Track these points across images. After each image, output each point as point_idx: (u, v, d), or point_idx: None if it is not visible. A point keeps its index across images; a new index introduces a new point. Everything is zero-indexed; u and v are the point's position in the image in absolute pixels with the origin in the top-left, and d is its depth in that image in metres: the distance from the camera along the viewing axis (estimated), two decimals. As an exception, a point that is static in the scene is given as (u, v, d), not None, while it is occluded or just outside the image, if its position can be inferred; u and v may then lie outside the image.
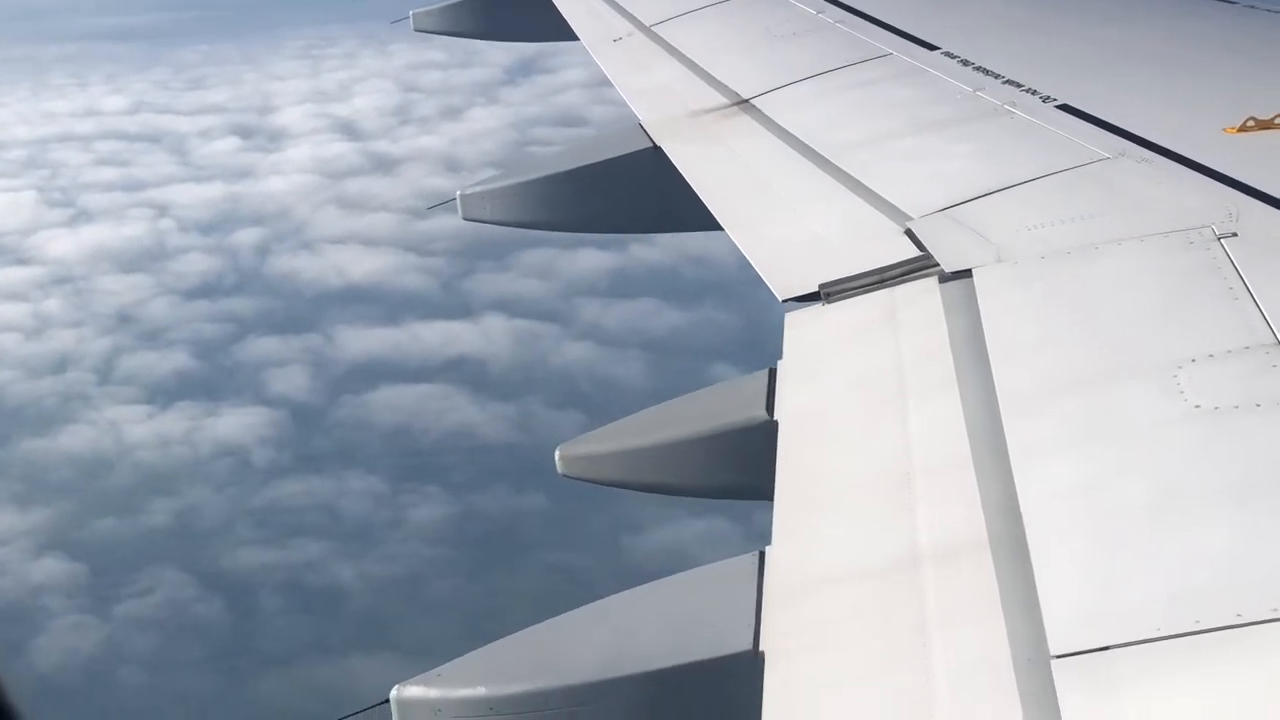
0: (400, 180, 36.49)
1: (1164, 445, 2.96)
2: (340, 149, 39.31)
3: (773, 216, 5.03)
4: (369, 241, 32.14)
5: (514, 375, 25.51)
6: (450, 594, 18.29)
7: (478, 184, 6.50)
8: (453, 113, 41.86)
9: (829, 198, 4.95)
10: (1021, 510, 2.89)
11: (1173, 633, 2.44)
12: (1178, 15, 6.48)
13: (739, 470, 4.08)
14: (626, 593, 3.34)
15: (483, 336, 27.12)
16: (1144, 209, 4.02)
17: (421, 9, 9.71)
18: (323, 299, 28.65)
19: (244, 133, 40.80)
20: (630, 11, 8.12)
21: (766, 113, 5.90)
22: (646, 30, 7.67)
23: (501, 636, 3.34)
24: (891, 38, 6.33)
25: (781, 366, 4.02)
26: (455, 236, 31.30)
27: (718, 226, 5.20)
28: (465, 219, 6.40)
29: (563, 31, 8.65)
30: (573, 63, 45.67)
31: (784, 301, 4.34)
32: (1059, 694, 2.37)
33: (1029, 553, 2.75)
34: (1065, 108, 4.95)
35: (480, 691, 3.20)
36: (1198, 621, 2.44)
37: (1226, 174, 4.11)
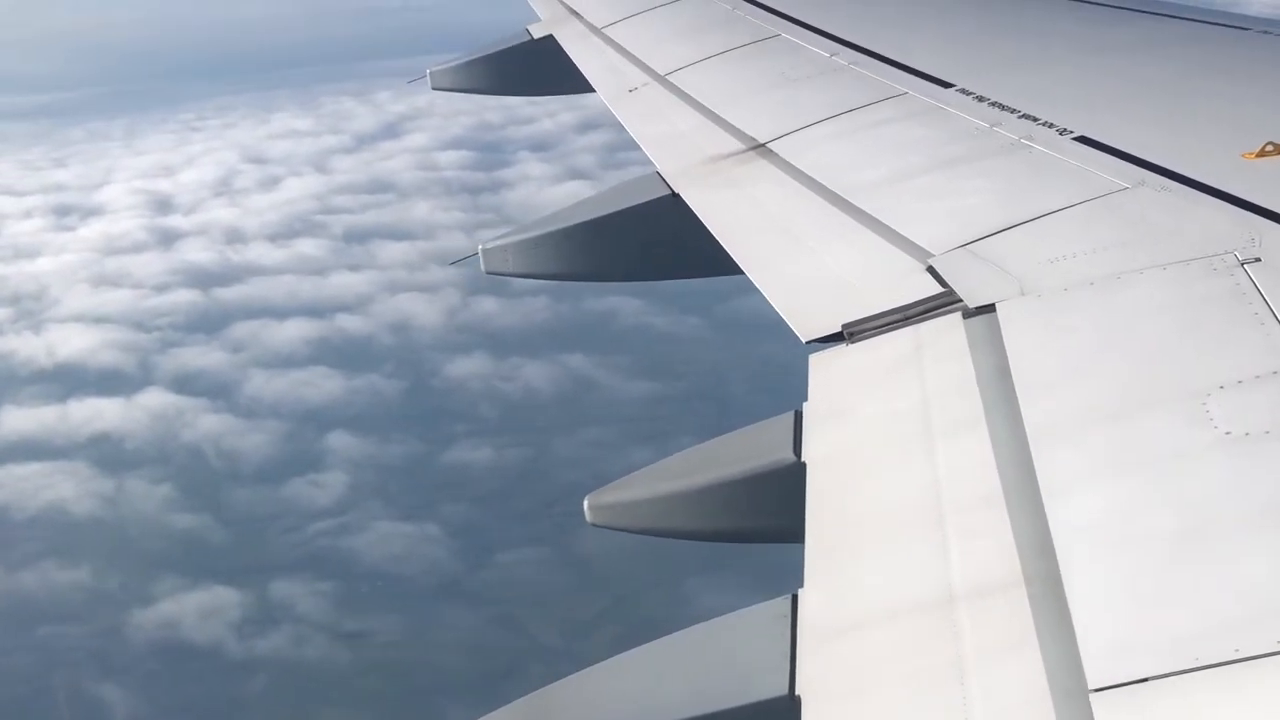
0: (167, 255, 38.96)
1: (1195, 474, 2.94)
2: (129, 225, 41.57)
3: (793, 258, 5.04)
4: (100, 319, 34.16)
5: (145, 452, 27.23)
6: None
7: (499, 237, 6.54)
8: (269, 184, 44.65)
9: (849, 238, 4.95)
10: (1054, 544, 2.86)
11: (1212, 662, 2.41)
12: (1191, 43, 6.48)
13: (768, 514, 4.07)
14: (659, 641, 3.32)
15: (129, 413, 28.87)
16: (1165, 237, 4.01)
17: (438, 67, 9.81)
18: (17, 379, 30.73)
19: (61, 211, 43.02)
20: (645, 62, 8.18)
21: (783, 156, 5.93)
22: (661, 79, 7.73)
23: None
24: (906, 77, 6.35)
25: (807, 408, 4.01)
26: (184, 312, 33.60)
27: (739, 270, 5.21)
28: (488, 272, 6.43)
29: (579, 84, 8.73)
30: (428, 126, 48.85)
31: (807, 343, 4.33)
32: None
33: (1063, 586, 2.73)
34: (1083, 139, 4.95)
35: None
36: (1237, 650, 2.41)
37: (1247, 199, 4.09)
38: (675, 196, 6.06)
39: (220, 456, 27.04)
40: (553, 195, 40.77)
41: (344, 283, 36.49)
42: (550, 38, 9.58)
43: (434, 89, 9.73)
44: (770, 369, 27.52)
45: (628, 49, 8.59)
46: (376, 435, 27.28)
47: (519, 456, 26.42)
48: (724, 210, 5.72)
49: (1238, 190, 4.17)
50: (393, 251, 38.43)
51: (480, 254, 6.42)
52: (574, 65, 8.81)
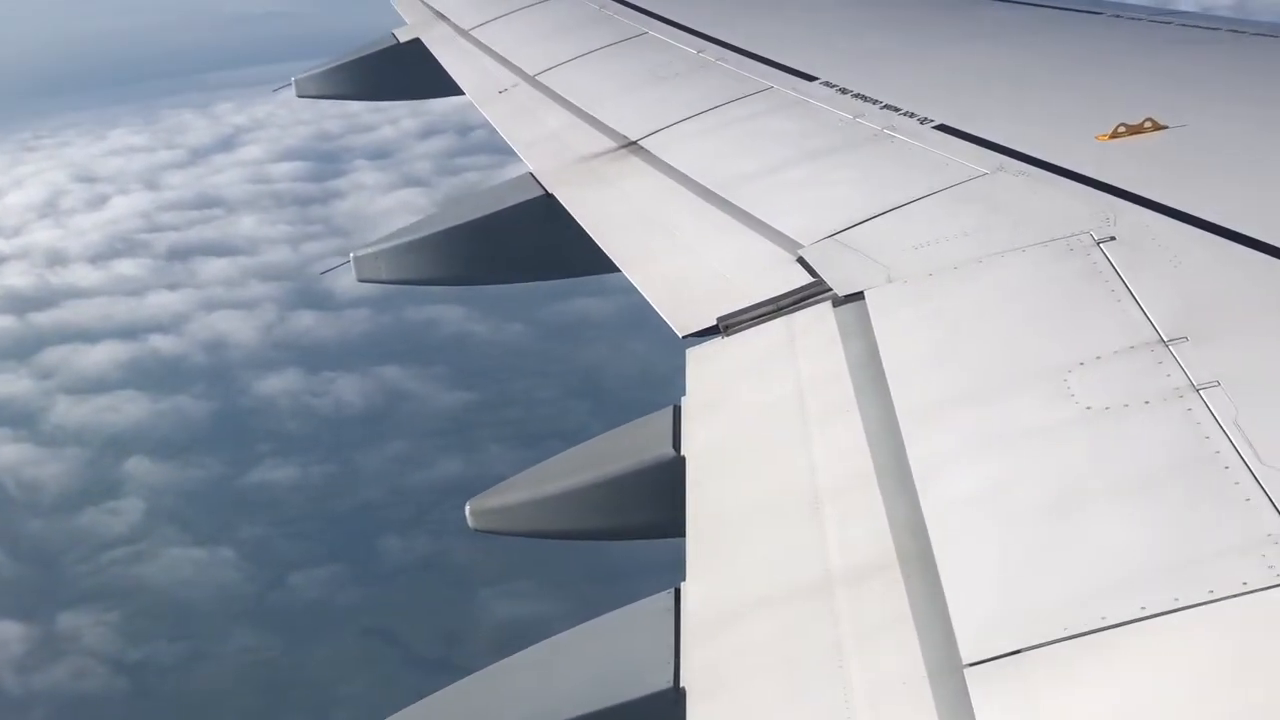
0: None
1: (1059, 448, 3.02)
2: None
3: (667, 254, 5.07)
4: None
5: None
6: None
7: (371, 244, 6.48)
8: (96, 203, 44.50)
9: (721, 232, 5.00)
10: (926, 524, 2.92)
11: (1080, 631, 2.48)
12: (1045, 28, 6.65)
13: (651, 509, 4.08)
14: (544, 642, 3.32)
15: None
16: (1024, 220, 4.11)
17: (303, 74, 9.69)
18: None
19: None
20: (514, 63, 8.17)
21: (655, 153, 5.96)
22: (531, 80, 7.72)
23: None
24: (771, 71, 6.42)
25: (685, 402, 4.04)
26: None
27: (614, 268, 5.23)
28: (360, 280, 6.36)
29: (448, 87, 8.68)
30: (265, 137, 48.87)
31: (684, 337, 4.36)
32: (973, 701, 2.40)
33: (936, 565, 2.79)
34: (942, 128, 5.05)
35: None
36: (1104, 618, 2.48)
37: (1101, 180, 4.21)
38: (549, 197, 6.06)
39: (18, 487, 26.68)
40: (383, 204, 40.62)
41: (160, 302, 36.07)
42: (417, 41, 9.51)
43: (299, 96, 9.60)
44: (589, 373, 27.62)
45: (496, 50, 8.57)
46: (178, 459, 27.15)
47: (322, 474, 26.34)
48: (598, 209, 5.73)
49: (1092, 171, 4.29)
50: (214, 268, 38.03)
51: (352, 262, 6.35)
52: (442, 68, 8.76)
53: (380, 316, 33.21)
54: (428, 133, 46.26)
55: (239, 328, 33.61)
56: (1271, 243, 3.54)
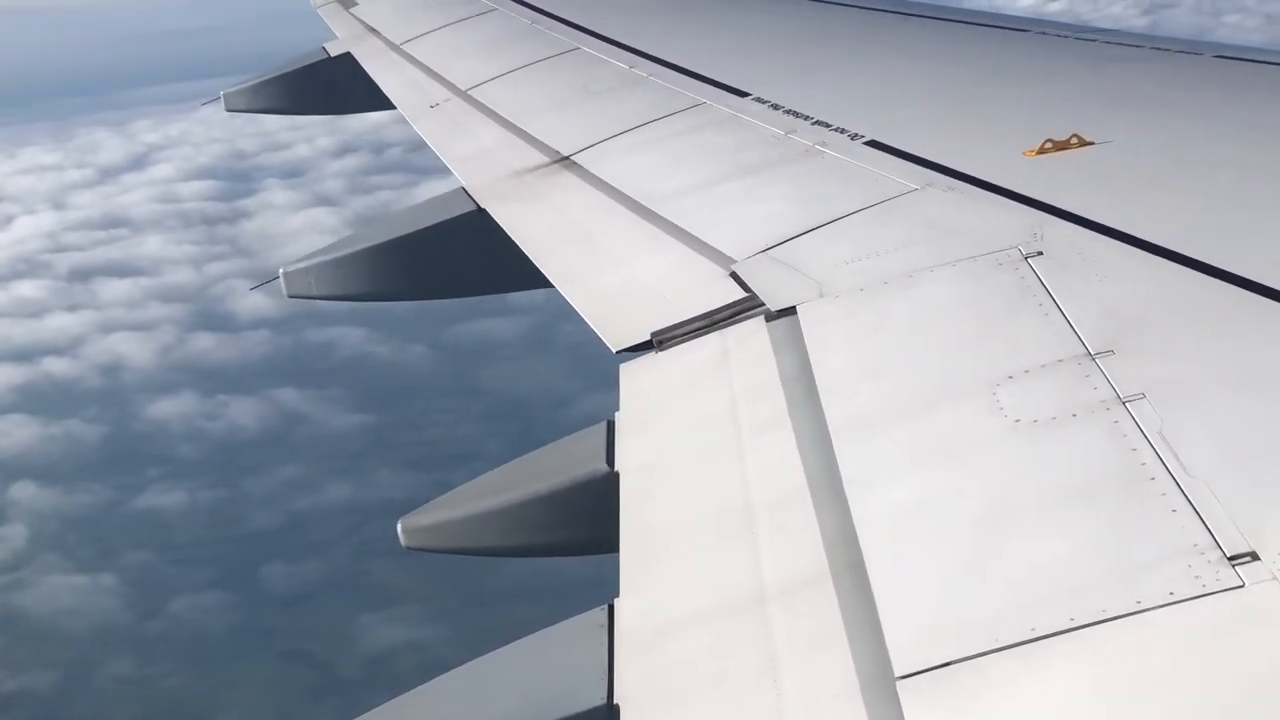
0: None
1: (988, 462, 3.04)
2: None
3: (600, 269, 5.06)
4: None
5: None
6: None
7: (302, 259, 6.41)
8: (2, 223, 44.25)
9: (654, 246, 5.00)
10: (858, 537, 2.93)
11: (1011, 642, 2.49)
12: (975, 45, 6.73)
13: (585, 525, 4.07)
14: (478, 660, 3.29)
15: None
16: (954, 235, 4.15)
17: (233, 88, 9.60)
18: None
19: None
20: (446, 77, 8.14)
21: (588, 168, 5.96)
22: (464, 95, 7.70)
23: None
24: (704, 87, 6.45)
25: (619, 417, 4.03)
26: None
27: (547, 284, 5.22)
28: (290, 296, 6.29)
29: (380, 101, 8.63)
30: (177, 156, 48.58)
31: (617, 353, 4.35)
32: (905, 713, 2.41)
33: (869, 578, 2.79)
34: (873, 143, 5.09)
35: None
36: (1033, 629, 2.50)
37: (1029, 195, 4.26)
38: (481, 212, 6.04)
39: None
40: (292, 224, 40.41)
41: (58, 324, 35.59)
42: (348, 55, 9.46)
43: (228, 110, 9.51)
44: (489, 395, 27.42)
45: (428, 65, 8.54)
46: (64, 484, 26.75)
47: (211, 499, 25.95)
48: (531, 224, 5.72)
49: (1020, 187, 4.34)
50: (115, 289, 37.51)
51: (281, 278, 6.28)
52: (373, 82, 8.71)
53: (280, 338, 32.89)
54: (342, 151, 46.10)
55: (136, 350, 33.25)
56: (1195, 257, 3.59)
